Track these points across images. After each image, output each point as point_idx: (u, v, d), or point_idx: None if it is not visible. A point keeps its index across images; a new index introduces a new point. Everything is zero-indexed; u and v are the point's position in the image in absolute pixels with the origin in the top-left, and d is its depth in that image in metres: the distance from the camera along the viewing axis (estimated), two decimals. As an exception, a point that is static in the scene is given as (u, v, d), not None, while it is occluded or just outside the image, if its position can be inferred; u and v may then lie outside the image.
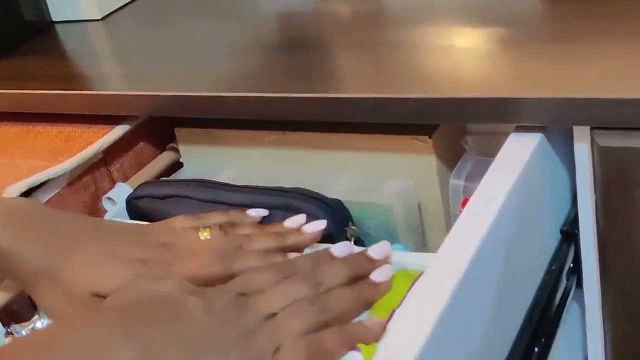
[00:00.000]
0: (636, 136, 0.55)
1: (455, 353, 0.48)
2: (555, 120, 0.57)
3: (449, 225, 0.71)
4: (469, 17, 0.77)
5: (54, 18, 1.03)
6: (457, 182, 0.67)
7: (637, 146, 0.55)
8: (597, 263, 0.62)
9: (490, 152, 0.69)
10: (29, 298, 0.69)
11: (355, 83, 0.69)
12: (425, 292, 0.48)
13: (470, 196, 0.59)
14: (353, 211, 0.68)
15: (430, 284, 0.48)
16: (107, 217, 0.75)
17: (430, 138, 0.68)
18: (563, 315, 0.61)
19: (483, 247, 0.50)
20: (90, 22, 1.01)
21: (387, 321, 0.54)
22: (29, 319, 0.62)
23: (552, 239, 0.63)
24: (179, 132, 0.82)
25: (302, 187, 0.70)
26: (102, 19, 1.01)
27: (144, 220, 0.73)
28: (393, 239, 0.69)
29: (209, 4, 1.00)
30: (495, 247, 0.53)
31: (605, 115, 0.55)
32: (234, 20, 0.91)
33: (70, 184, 0.74)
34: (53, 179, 0.71)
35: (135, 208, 0.74)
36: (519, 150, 0.58)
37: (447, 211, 0.71)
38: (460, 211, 0.60)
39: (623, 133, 0.55)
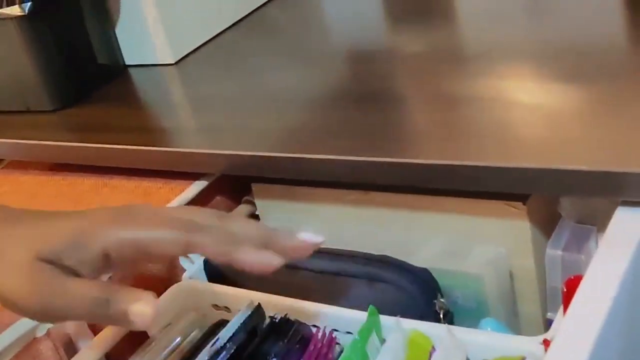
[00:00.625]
0: None
1: None
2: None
3: (542, 294, 0.67)
4: (559, 62, 0.73)
5: (128, 62, 1.03)
6: (554, 252, 0.63)
7: None
8: None
9: (588, 218, 0.65)
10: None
11: (441, 145, 0.65)
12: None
13: (574, 274, 0.55)
14: (441, 280, 0.65)
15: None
16: (185, 276, 0.73)
17: (524, 204, 0.64)
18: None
19: (599, 339, 0.46)
20: (164, 67, 1.00)
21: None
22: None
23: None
24: (256, 187, 0.79)
25: (385, 250, 0.67)
26: (176, 63, 1.00)
27: (221, 281, 0.71)
28: (483, 309, 0.66)
29: (280, 40, 0.98)
30: (611, 338, 0.49)
31: None
32: (307, 63, 0.89)
33: (147, 243, 0.72)
34: (131, 240, 0.70)
35: (212, 268, 0.72)
36: (629, 227, 0.54)
37: (540, 280, 0.67)
38: (564, 291, 0.56)
39: None
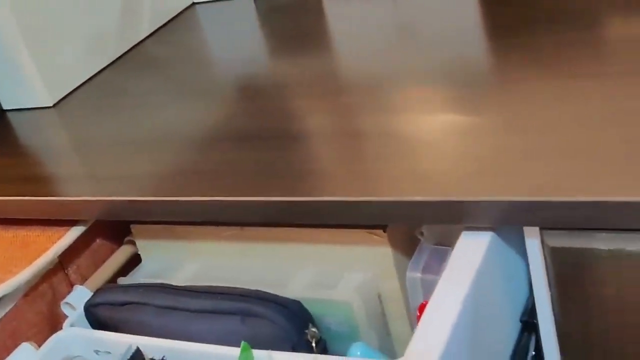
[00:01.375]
0: (585, 236, 0.55)
1: None
2: (505, 221, 0.58)
3: (409, 314, 0.71)
4: (421, 91, 0.77)
5: (5, 106, 1.02)
6: (414, 275, 0.67)
7: (587, 246, 0.56)
8: (559, 353, 0.62)
9: (445, 240, 0.69)
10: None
11: (310, 183, 0.67)
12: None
13: (427, 298, 0.59)
14: (313, 309, 0.68)
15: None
16: (66, 323, 0.73)
17: (384, 232, 0.68)
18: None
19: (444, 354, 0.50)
20: (43, 110, 1.00)
21: None
22: None
23: (513, 329, 0.63)
24: (135, 228, 0.81)
25: (261, 282, 0.70)
26: (54, 105, 1.00)
27: (103, 329, 0.72)
28: (355, 333, 0.70)
29: (159, 77, 0.99)
30: (458, 350, 0.53)
31: (554, 217, 0.55)
32: (189, 100, 0.91)
33: (26, 294, 0.73)
34: (7, 293, 0.70)
35: (93, 316, 0.73)
36: (471, 252, 0.59)
37: (407, 300, 0.71)
38: (418, 316, 0.60)
39: (572, 234, 0.56)
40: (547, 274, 0.59)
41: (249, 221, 0.69)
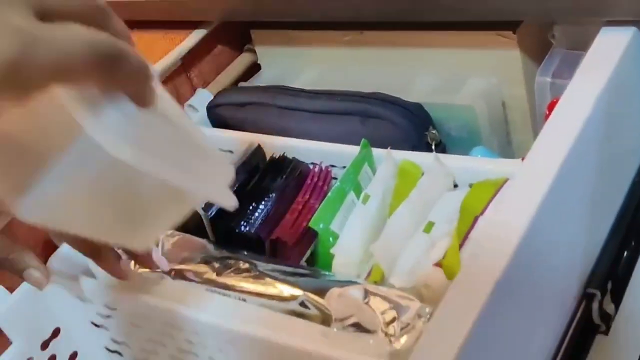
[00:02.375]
0: None
1: (543, 262, 0.47)
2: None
3: (534, 123, 0.68)
4: None
5: None
6: (543, 79, 0.64)
7: None
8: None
9: (579, 44, 0.65)
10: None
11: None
12: (512, 201, 0.46)
13: (558, 97, 0.56)
14: (434, 113, 0.67)
15: (518, 193, 0.47)
16: (189, 124, 0.75)
17: (514, 33, 0.64)
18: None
19: (571, 154, 0.48)
20: None
21: (470, 229, 0.54)
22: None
23: (645, 138, 0.60)
24: (255, 33, 0.80)
25: (381, 88, 0.69)
26: None
27: (225, 127, 0.74)
28: (475, 140, 0.68)
29: None
30: (585, 152, 0.51)
31: None
32: None
33: (151, 93, 0.75)
34: (134, 90, 0.72)
35: (215, 115, 0.75)
36: (610, 48, 0.55)
37: (532, 109, 0.68)
38: (547, 114, 0.57)
39: None
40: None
41: (366, 19, 0.66)
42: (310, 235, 0.60)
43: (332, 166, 0.65)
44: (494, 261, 0.42)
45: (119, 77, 0.34)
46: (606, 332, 0.53)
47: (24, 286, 0.61)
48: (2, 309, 0.60)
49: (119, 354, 0.64)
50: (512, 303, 0.44)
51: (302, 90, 0.70)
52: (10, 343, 0.61)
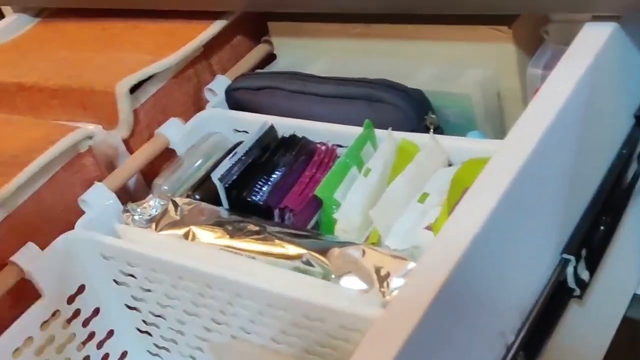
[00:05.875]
0: None
1: (518, 231, 0.53)
2: (632, 8, 0.58)
3: (527, 112, 0.73)
4: None
5: None
6: (534, 71, 0.70)
7: None
8: (670, 148, 0.64)
9: (569, 40, 0.70)
10: (144, 179, 0.78)
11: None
12: (489, 176, 0.52)
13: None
14: (433, 100, 0.72)
15: (495, 168, 0.52)
16: (208, 106, 0.82)
17: (509, 28, 0.70)
18: (631, 199, 0.64)
19: (550, 133, 0.53)
20: None
21: (459, 200, 0.60)
22: (144, 199, 0.71)
23: (624, 125, 0.65)
24: (271, 25, 0.86)
25: (386, 76, 0.74)
26: None
27: (241, 110, 0.79)
28: (472, 127, 0.73)
29: None
30: (563, 133, 0.56)
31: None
32: None
33: (175, 76, 0.81)
34: (159, 72, 0.78)
35: (233, 99, 0.81)
36: (592, 40, 0.60)
37: (525, 99, 0.74)
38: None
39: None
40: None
41: (375, 12, 0.72)
42: (315, 205, 0.66)
43: (339, 146, 0.71)
44: (474, 219, 0.48)
45: None
46: (580, 297, 0.58)
47: (55, 244, 0.67)
48: (35, 264, 0.66)
49: (138, 310, 0.70)
50: (490, 256, 0.49)
51: (312, 76, 0.76)
52: (40, 295, 0.67)
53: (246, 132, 0.77)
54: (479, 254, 0.48)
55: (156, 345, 0.72)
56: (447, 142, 0.65)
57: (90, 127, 0.74)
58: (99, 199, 0.70)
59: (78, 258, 0.68)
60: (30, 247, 0.66)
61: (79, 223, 0.69)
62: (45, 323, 0.66)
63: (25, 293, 0.66)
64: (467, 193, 0.53)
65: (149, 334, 0.72)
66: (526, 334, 0.51)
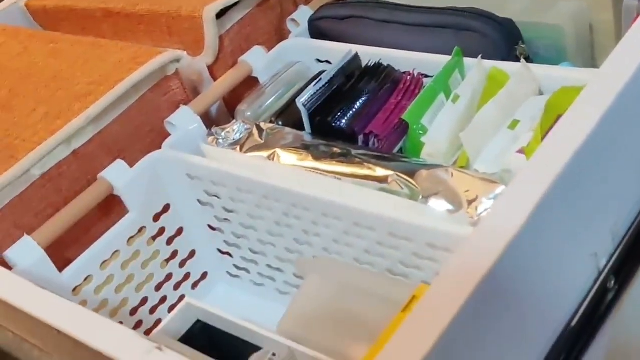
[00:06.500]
0: None
1: (614, 158, 0.51)
2: None
3: (620, 47, 0.71)
4: None
5: None
6: (631, 3, 0.67)
7: None
8: None
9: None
10: (226, 107, 0.79)
11: None
12: (585, 103, 0.50)
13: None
14: (524, 31, 0.70)
15: (592, 95, 0.51)
16: (291, 37, 0.81)
17: (606, -43, 0.68)
18: None
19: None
20: None
21: (553, 126, 0.58)
22: (228, 123, 0.71)
23: None
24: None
25: (476, 7, 0.73)
26: None
27: (324, 39, 0.79)
28: (562, 60, 0.72)
29: None
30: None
31: None
32: None
33: (259, 5, 0.80)
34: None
35: (316, 29, 0.80)
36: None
37: (619, 33, 0.71)
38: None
39: None
40: None
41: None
42: (400, 132, 0.66)
43: (425, 76, 0.70)
44: (569, 145, 0.46)
45: None
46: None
47: (143, 162, 0.68)
48: (123, 181, 0.67)
49: (220, 231, 0.72)
50: (587, 181, 0.48)
51: (399, 5, 0.75)
52: (128, 212, 0.68)
53: (329, 62, 0.77)
54: (574, 179, 0.47)
55: (236, 267, 0.74)
56: (539, 70, 0.64)
57: (178, 52, 0.75)
58: (184, 122, 0.71)
59: (164, 177, 0.69)
60: (120, 164, 0.67)
61: (166, 143, 0.70)
62: (131, 238, 0.68)
63: (113, 208, 0.68)
64: (561, 119, 0.52)
65: (230, 255, 0.73)
66: (618, 258, 0.51)
